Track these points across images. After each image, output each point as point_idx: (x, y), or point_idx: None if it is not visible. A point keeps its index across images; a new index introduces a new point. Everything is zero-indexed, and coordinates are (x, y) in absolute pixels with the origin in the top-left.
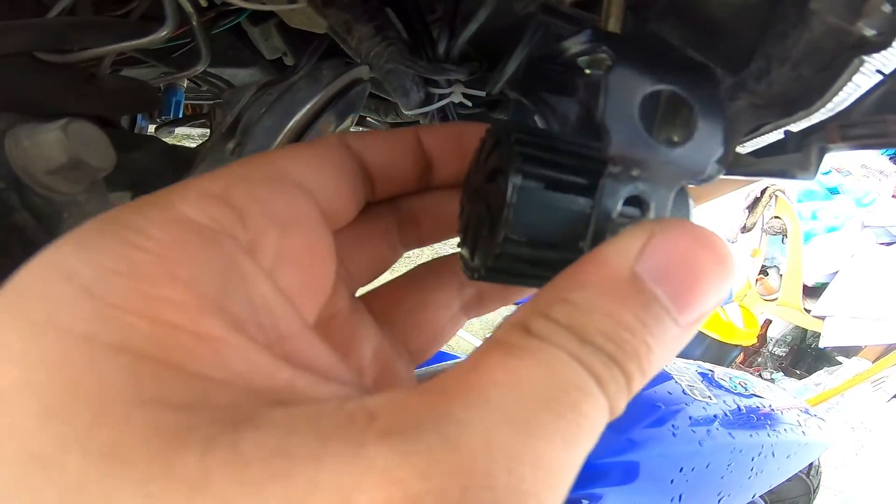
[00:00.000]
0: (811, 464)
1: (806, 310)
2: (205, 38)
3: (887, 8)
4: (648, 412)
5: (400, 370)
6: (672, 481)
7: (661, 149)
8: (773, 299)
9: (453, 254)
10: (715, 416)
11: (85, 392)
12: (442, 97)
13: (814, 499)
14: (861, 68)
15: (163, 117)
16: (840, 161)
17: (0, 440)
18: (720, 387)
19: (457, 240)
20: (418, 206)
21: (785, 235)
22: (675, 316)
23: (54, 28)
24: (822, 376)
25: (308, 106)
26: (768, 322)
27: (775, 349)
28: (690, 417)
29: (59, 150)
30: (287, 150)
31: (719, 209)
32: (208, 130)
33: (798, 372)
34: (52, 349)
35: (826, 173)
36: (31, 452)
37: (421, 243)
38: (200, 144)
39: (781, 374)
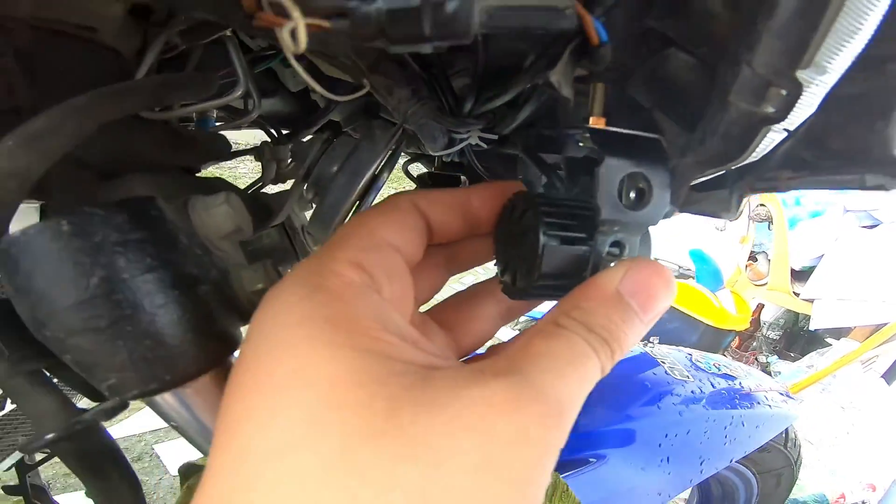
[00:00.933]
0: (787, 436)
1: (795, 293)
2: (257, 89)
3: (783, 93)
4: (640, 392)
5: (455, 360)
6: (660, 445)
7: (631, 213)
8: (764, 284)
9: (490, 279)
10: (692, 392)
11: (359, 375)
12: (462, 140)
13: (797, 469)
14: (770, 132)
15: None
16: None
17: (319, 412)
18: (698, 368)
19: (487, 266)
20: (460, 246)
21: (771, 222)
22: (641, 316)
23: (158, 87)
24: (813, 358)
25: (375, 166)
26: (761, 306)
27: (769, 333)
28: (672, 394)
29: (228, 219)
30: (379, 216)
31: None
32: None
33: (792, 354)
34: (338, 358)
35: None
36: (343, 418)
37: (460, 271)
38: (276, 193)
39: (776, 357)
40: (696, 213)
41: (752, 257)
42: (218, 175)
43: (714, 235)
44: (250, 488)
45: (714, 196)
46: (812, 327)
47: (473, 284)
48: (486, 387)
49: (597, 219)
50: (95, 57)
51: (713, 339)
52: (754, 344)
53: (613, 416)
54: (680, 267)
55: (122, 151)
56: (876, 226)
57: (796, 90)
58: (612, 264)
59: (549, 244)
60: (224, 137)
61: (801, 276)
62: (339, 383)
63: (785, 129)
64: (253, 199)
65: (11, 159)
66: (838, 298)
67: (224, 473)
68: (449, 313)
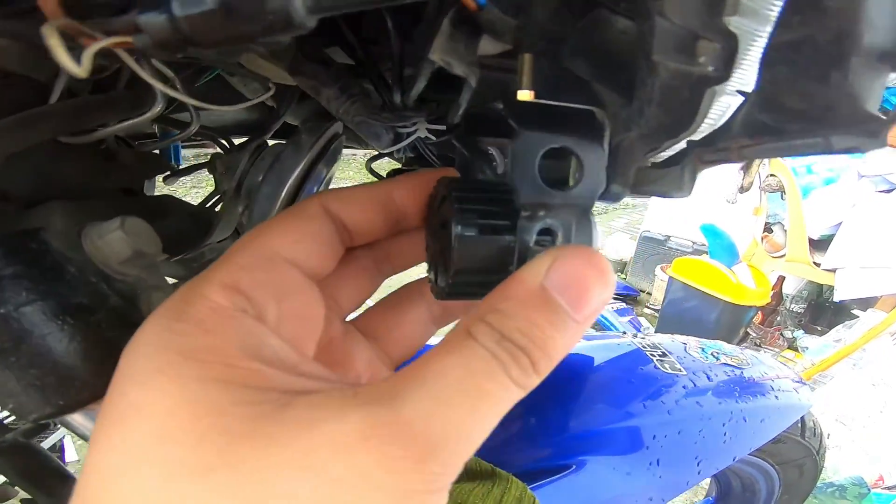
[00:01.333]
0: (804, 426)
1: (816, 263)
2: (193, 103)
3: (716, 46)
4: (624, 391)
5: (386, 373)
6: (647, 447)
7: (557, 193)
8: (782, 256)
9: (422, 278)
10: (684, 387)
11: (195, 407)
12: (409, 135)
13: (821, 459)
14: (718, 94)
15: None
16: None
17: (148, 445)
18: (693, 360)
19: (424, 265)
20: (389, 245)
21: (783, 192)
22: (573, 315)
23: (70, 111)
24: (840, 332)
25: (297, 171)
26: (781, 279)
27: (793, 306)
28: (661, 391)
29: (124, 245)
30: (276, 228)
31: (714, 173)
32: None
33: (818, 328)
34: (173, 389)
35: None
36: (164, 435)
37: (395, 272)
38: (214, 203)
39: (802, 331)
40: (650, 195)
41: (768, 229)
42: None
43: (725, 209)
44: None
45: (668, 174)
46: (836, 298)
47: (404, 285)
48: (342, 420)
49: (517, 202)
50: (4, 85)
51: (733, 316)
52: (778, 319)
53: (593, 419)
54: (693, 243)
55: (47, 179)
56: (893, 189)
57: (730, 42)
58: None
59: (463, 235)
60: (156, 155)
61: (820, 245)
62: (175, 416)
63: (739, 92)
64: (195, 213)
65: None
66: (861, 267)
67: (73, 499)
68: (375, 321)
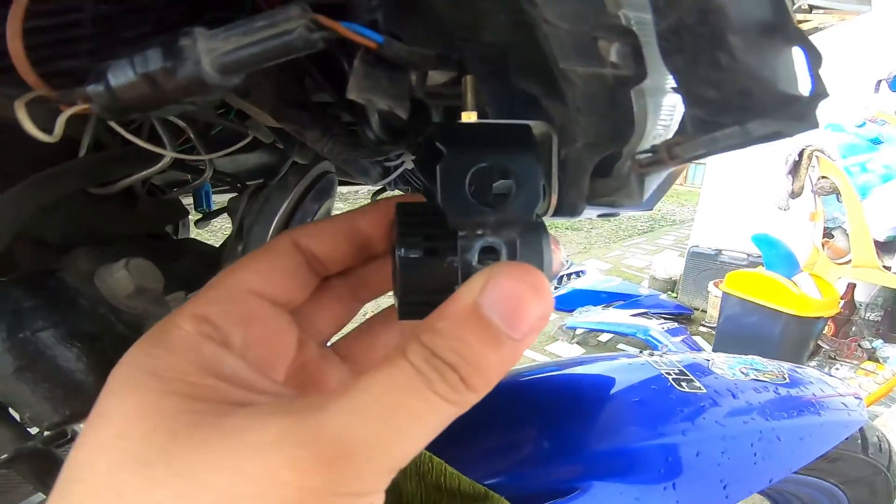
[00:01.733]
0: (866, 441)
1: (885, 267)
2: (207, 152)
3: (617, 45)
4: (635, 411)
5: None
6: (660, 470)
7: (490, 211)
8: (847, 261)
9: (391, 305)
10: (702, 406)
11: (148, 412)
12: (396, 167)
13: (894, 478)
14: (650, 93)
15: (198, 208)
16: (870, 112)
17: (108, 442)
18: (717, 377)
19: None
20: (364, 272)
21: (839, 194)
22: (509, 333)
23: (93, 165)
24: None
25: (282, 210)
26: (852, 287)
27: (868, 314)
28: (676, 411)
29: (128, 282)
30: (247, 265)
31: (762, 179)
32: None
33: None
34: (134, 398)
35: (861, 125)
36: (127, 449)
37: (373, 297)
38: (223, 244)
39: (881, 341)
40: (607, 206)
41: (828, 234)
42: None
43: (778, 216)
44: None
45: (617, 183)
46: None
47: (377, 312)
48: (264, 426)
49: (449, 223)
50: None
51: (800, 330)
52: (853, 329)
53: (599, 441)
54: (749, 255)
55: (78, 226)
56: None
57: (629, 37)
58: None
59: (406, 257)
60: (177, 201)
61: (887, 247)
62: (131, 420)
63: (673, 89)
64: (207, 253)
65: None
66: None
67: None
68: (350, 345)
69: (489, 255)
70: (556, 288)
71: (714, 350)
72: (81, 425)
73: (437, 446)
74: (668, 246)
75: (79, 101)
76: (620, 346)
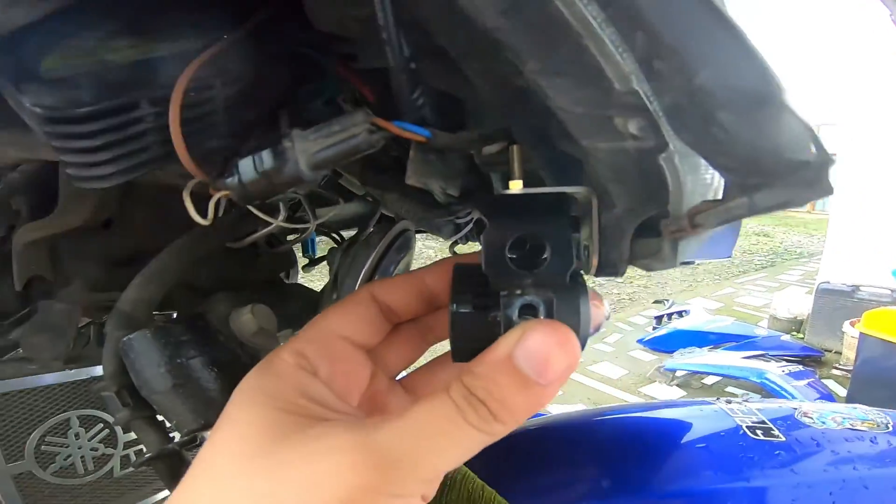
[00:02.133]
0: None
1: None
2: (310, 207)
3: (634, 127)
4: (699, 458)
5: None
6: None
7: (527, 274)
8: None
9: None
10: (777, 453)
11: (260, 421)
12: (467, 223)
13: None
14: (679, 156)
15: (305, 254)
16: None
17: (231, 440)
18: (799, 424)
19: None
20: (431, 319)
21: None
22: (539, 380)
23: (229, 224)
24: None
25: (367, 265)
26: None
27: None
28: (743, 457)
29: (251, 324)
30: (335, 312)
31: None
32: None
33: None
34: (251, 410)
35: None
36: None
37: (439, 341)
38: (321, 290)
39: None
40: (644, 267)
41: None
42: None
43: None
44: (183, 488)
45: (651, 245)
46: None
47: (442, 354)
48: (335, 437)
49: (493, 285)
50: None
51: None
52: None
53: (658, 483)
54: (893, 291)
55: (219, 275)
56: None
57: (644, 113)
58: None
59: (457, 312)
60: (290, 252)
61: None
62: (247, 425)
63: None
64: (312, 298)
65: (140, 291)
66: None
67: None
68: (415, 380)
69: (528, 311)
70: (654, 329)
71: (849, 395)
72: (207, 433)
73: (493, 479)
74: (793, 282)
75: (221, 189)
76: (729, 388)
